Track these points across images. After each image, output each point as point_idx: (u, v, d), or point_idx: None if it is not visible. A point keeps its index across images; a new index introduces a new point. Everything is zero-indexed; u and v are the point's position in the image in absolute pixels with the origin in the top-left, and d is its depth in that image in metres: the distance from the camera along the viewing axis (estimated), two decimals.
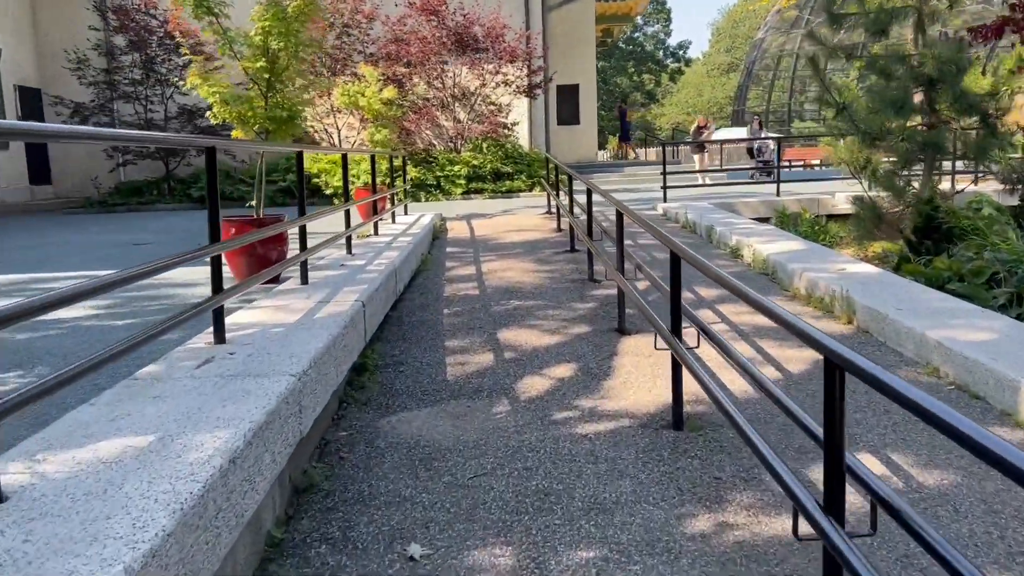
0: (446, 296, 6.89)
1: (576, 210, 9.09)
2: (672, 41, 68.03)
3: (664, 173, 12.83)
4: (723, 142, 21.55)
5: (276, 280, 5.87)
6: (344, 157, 7.10)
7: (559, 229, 10.67)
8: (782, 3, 37.88)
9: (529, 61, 17.99)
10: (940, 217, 7.50)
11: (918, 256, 7.54)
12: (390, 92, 11.82)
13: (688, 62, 71.80)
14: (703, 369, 3.48)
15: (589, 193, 7.22)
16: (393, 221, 10.67)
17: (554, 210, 12.09)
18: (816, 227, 10.19)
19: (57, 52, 18.74)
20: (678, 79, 71.07)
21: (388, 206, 10.74)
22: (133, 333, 2.75)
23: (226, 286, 3.68)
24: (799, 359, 4.84)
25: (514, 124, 18.59)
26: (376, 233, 8.89)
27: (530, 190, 17.51)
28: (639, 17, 25.49)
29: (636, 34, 63.04)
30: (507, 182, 17.38)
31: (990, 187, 11.48)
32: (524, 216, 12.53)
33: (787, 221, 10.52)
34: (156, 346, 3.71)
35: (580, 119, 23.74)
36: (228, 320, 4.03)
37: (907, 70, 9.16)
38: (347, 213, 6.98)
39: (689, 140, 20.84)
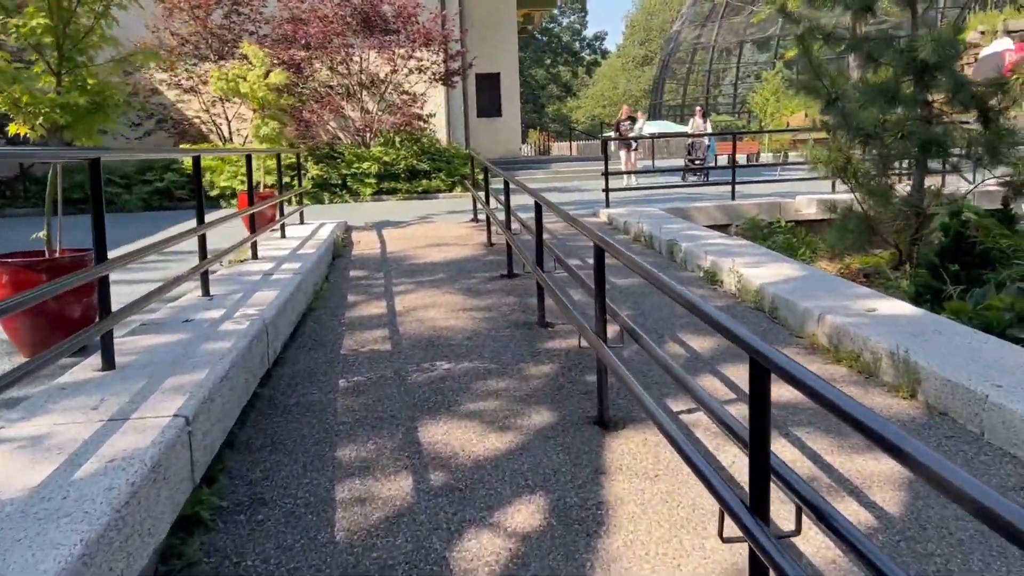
0: (344, 355, 4.96)
1: (504, 217, 7.29)
2: (588, 33, 67.00)
3: (606, 174, 11.15)
4: (659, 136, 20.09)
5: (83, 351, 3.86)
6: (196, 160, 5.03)
7: (490, 244, 8.85)
8: None
9: (446, 45, 16.05)
10: (970, 234, 6.05)
11: (937, 282, 6.05)
12: (279, 76, 9.74)
13: (605, 54, 71.10)
14: None
15: (538, 208, 5.44)
16: (283, 236, 8.63)
17: (482, 218, 10.28)
18: (794, 238, 8.70)
19: None
20: (594, 71, 70.24)
21: (277, 216, 8.68)
22: None
23: None
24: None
25: (430, 116, 16.63)
26: (255, 257, 6.85)
27: (450, 190, 15.62)
28: (557, 6, 23.82)
29: (552, 24, 61.66)
30: (424, 181, 15.43)
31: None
32: (446, 225, 10.65)
33: (758, 232, 9.00)
34: None
35: (502, 111, 21.92)
36: None
37: (898, 55, 7.72)
38: (202, 239, 4.95)
39: (615, 135, 19.08)
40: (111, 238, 3.52)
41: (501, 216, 7.43)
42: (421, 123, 16.20)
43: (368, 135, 16.11)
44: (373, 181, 15.04)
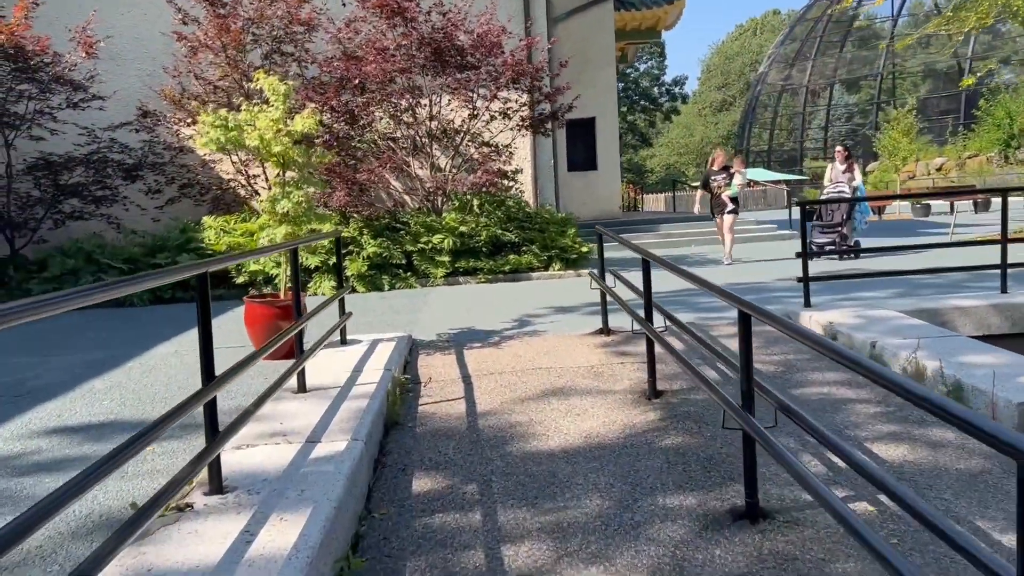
0: None
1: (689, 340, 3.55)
2: (667, 77, 63.61)
3: (804, 252, 7.25)
4: (780, 184, 15.78)
5: None
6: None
7: (655, 392, 5.04)
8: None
9: (537, 82, 12.54)
10: None
11: None
12: (307, 120, 6.25)
13: (685, 99, 67.46)
14: None
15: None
16: (300, 387, 4.99)
17: (618, 326, 6.56)
18: None
19: None
20: (673, 118, 66.65)
21: (298, 353, 5.06)
22: None
23: None
24: None
25: (517, 172, 13.06)
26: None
27: (546, 267, 11.92)
28: (660, 38, 20.22)
29: (628, 70, 58.49)
30: (511, 256, 11.78)
31: None
32: (562, 340, 6.87)
33: None
34: None
35: (597, 163, 18.33)
36: None
37: None
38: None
39: (702, 191, 13.10)
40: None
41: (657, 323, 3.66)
42: (506, 182, 12.63)
43: (440, 199, 12.62)
44: (447, 259, 11.47)
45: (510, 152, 12.81)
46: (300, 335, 5.08)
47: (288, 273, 6.58)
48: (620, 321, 7.12)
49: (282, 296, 6.63)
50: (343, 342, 6.73)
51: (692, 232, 16.36)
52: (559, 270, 11.83)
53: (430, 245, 11.53)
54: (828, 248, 12.04)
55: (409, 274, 11.42)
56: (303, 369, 5.01)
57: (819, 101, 61.76)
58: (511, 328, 7.66)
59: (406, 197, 13.44)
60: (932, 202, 25.88)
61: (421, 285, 11.36)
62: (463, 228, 11.73)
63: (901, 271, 8.00)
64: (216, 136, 6.02)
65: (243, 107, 6.51)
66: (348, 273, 11.09)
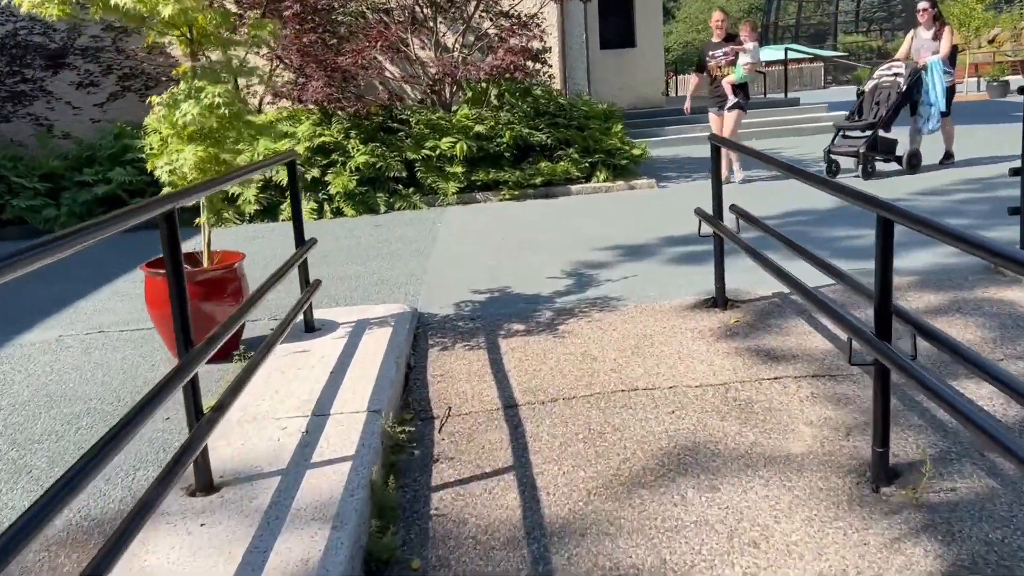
0: None
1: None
2: None
3: None
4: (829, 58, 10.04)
5: None
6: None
7: (888, 477, 2.51)
8: None
9: None
10: None
11: None
12: None
13: None
14: None
15: None
16: (203, 487, 2.53)
17: (738, 294, 4.04)
18: None
19: None
20: None
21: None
22: None
23: None
24: None
25: (546, 51, 10.18)
26: None
27: (587, 178, 9.27)
28: None
29: None
30: (543, 164, 9.10)
31: None
32: (654, 316, 4.33)
33: None
34: None
35: (636, 38, 15.22)
36: None
37: None
38: None
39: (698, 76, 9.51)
40: None
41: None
42: (533, 64, 9.77)
43: (448, 88, 9.83)
44: (460, 170, 8.82)
45: (538, 24, 9.88)
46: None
47: (208, 228, 4.03)
48: (737, 280, 4.61)
49: (205, 263, 4.09)
50: (307, 329, 4.25)
51: (763, 123, 13.45)
52: (604, 180, 9.18)
53: (437, 152, 8.85)
54: (867, 156, 8.45)
55: (411, 190, 8.81)
56: (205, 451, 2.53)
57: None
58: (564, 289, 5.15)
59: (405, 87, 10.63)
60: (1011, 79, 22.64)
61: (427, 205, 8.77)
62: (479, 128, 9.00)
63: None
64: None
65: None
66: (332, 191, 8.48)
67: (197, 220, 4.04)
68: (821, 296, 3.34)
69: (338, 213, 8.45)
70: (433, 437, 3.26)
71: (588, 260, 5.85)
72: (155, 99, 3.87)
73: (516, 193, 8.88)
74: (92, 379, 4.06)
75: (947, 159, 9.13)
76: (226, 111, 3.67)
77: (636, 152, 9.41)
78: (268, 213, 8.50)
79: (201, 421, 2.44)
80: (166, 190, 3.88)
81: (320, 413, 3.14)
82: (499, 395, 3.58)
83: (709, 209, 4.45)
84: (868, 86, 9.03)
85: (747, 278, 4.73)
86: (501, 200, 8.87)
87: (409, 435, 3.22)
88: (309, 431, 2.98)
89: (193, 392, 2.49)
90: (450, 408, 3.49)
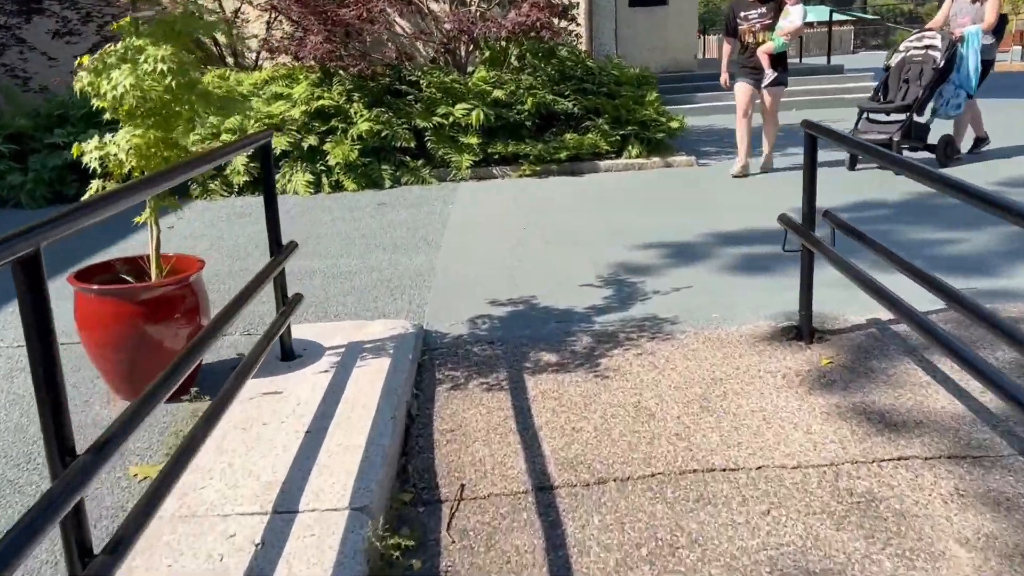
0: None
1: None
2: None
3: None
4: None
5: None
6: None
7: None
8: None
9: None
10: None
11: None
12: None
13: None
14: None
15: None
16: None
17: (826, 320, 3.07)
18: None
19: None
20: None
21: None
22: None
23: None
24: None
25: (574, 6, 9.11)
26: None
27: (618, 153, 8.29)
28: None
29: None
30: (569, 136, 8.12)
31: None
32: (721, 350, 3.40)
33: None
34: None
35: None
36: None
37: None
38: None
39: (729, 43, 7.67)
40: None
41: None
42: (559, 22, 8.71)
43: (464, 47, 8.81)
44: (475, 141, 7.84)
45: None
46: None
47: (157, 229, 3.14)
48: (816, 297, 3.69)
49: (152, 274, 3.20)
50: (284, 356, 3.37)
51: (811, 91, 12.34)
52: (637, 156, 8.20)
53: (451, 120, 7.87)
54: (904, 145, 7.15)
55: (420, 163, 7.85)
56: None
57: None
58: (602, 303, 4.23)
59: (417, 44, 9.61)
60: None
61: (438, 180, 7.82)
62: (498, 93, 8.01)
63: None
64: None
65: None
66: (331, 161, 7.55)
67: (137, 219, 3.14)
68: (956, 345, 2.45)
69: (337, 187, 7.53)
70: (439, 536, 2.40)
71: (628, 262, 4.93)
72: (84, 59, 2.95)
73: (538, 169, 7.92)
74: None
75: (979, 145, 7.87)
76: (172, 81, 2.74)
77: (674, 125, 8.40)
78: (259, 185, 7.56)
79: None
80: (96, 183, 2.98)
81: (284, 509, 2.27)
82: (528, 467, 2.70)
83: (786, 208, 3.52)
84: (894, 60, 7.70)
85: (828, 296, 3.82)
86: (520, 176, 7.91)
87: (407, 536, 2.35)
88: (265, 543, 2.11)
89: (78, 525, 1.62)
90: (463, 487, 2.62)
